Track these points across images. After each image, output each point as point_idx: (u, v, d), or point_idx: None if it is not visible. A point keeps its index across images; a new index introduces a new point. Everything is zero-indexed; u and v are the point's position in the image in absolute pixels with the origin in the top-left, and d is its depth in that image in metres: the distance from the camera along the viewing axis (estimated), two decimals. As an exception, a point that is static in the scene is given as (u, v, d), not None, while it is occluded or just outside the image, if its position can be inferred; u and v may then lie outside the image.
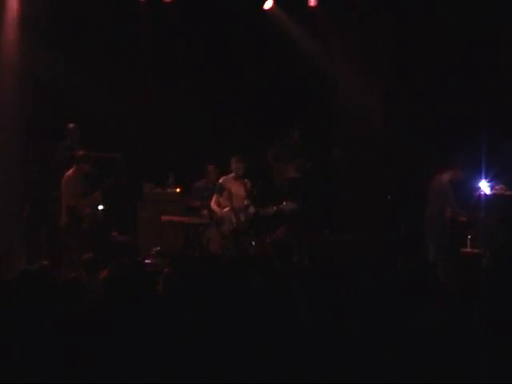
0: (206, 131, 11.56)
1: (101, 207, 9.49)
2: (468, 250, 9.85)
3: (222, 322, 4.32)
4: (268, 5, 11.74)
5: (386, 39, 11.60)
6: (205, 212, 10.19)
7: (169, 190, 10.76)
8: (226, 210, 9.94)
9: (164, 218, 10.00)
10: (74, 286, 5.16)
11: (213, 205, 10.07)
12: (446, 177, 10.11)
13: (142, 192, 10.84)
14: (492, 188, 10.24)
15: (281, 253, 6.95)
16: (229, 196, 9.97)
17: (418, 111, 11.19)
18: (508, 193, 10.14)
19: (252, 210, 9.93)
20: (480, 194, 10.29)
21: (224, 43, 11.70)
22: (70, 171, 9.38)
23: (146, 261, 9.63)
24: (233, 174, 10.11)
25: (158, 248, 9.98)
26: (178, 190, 10.73)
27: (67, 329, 4.23)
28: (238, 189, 10.02)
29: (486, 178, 10.32)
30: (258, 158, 11.02)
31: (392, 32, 11.45)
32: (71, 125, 10.57)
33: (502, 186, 10.20)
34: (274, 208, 10.05)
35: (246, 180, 10.07)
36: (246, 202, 9.92)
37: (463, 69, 11.06)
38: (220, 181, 10.14)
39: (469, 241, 9.95)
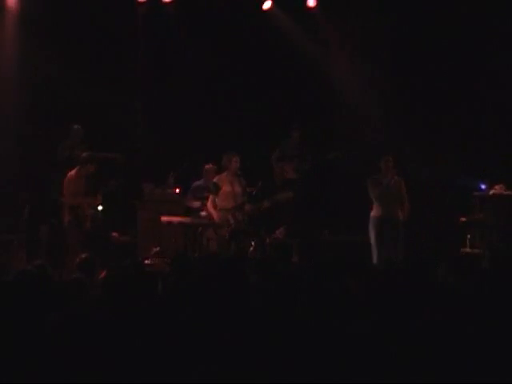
0: (206, 131, 11.56)
1: (99, 208, 9.48)
2: (468, 249, 9.85)
3: (222, 322, 4.32)
4: (267, 5, 11.74)
5: (386, 39, 11.60)
6: (204, 212, 10.17)
7: (169, 191, 10.75)
8: (221, 211, 9.87)
9: (164, 218, 9.99)
10: (76, 286, 5.16)
11: (209, 207, 9.97)
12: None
13: (142, 192, 10.82)
14: (492, 188, 10.24)
15: (281, 253, 6.94)
16: (224, 195, 9.91)
17: (418, 111, 11.20)
18: (508, 192, 10.14)
19: (248, 207, 9.90)
20: (481, 194, 10.30)
21: (224, 43, 11.69)
22: (73, 171, 9.38)
23: (146, 261, 9.63)
24: (226, 172, 10.04)
25: (158, 248, 9.98)
26: (177, 190, 10.72)
27: (67, 329, 4.23)
28: (233, 187, 9.95)
29: (486, 178, 10.34)
30: (259, 158, 11.00)
31: (392, 32, 11.46)
32: (76, 126, 10.58)
33: (501, 185, 10.20)
34: (269, 200, 10.00)
35: (241, 177, 10.01)
36: (241, 200, 9.87)
37: (463, 68, 11.08)
38: (214, 180, 10.02)
39: (469, 241, 9.95)
